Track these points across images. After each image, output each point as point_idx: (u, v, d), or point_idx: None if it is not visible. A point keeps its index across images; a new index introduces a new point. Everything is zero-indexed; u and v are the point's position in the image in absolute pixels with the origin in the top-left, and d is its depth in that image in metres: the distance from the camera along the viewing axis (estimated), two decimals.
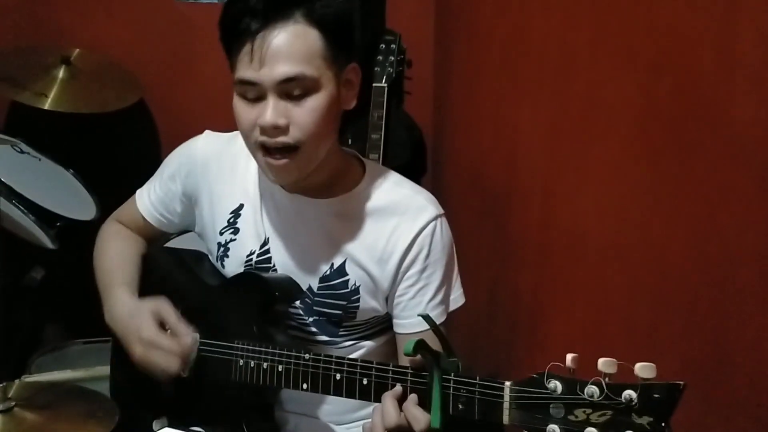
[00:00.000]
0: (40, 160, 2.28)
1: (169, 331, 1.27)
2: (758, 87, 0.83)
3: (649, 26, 1.07)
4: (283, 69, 1.13)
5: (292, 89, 1.15)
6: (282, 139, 1.16)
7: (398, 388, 1.06)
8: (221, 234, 1.37)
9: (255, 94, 1.16)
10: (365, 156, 2.15)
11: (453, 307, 1.36)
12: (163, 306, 1.29)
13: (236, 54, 1.16)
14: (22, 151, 2.25)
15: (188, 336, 1.26)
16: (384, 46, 2.39)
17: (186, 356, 1.25)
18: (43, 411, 1.41)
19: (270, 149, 1.18)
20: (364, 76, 1.26)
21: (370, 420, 1.10)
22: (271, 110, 1.15)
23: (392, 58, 2.38)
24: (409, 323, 1.32)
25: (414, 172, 2.69)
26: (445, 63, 2.61)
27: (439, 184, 2.65)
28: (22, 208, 2.00)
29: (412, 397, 1.05)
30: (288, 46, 1.13)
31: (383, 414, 1.05)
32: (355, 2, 1.21)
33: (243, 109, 1.18)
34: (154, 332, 1.26)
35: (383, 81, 2.35)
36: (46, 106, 2.32)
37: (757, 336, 0.83)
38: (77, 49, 2.55)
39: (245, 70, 1.15)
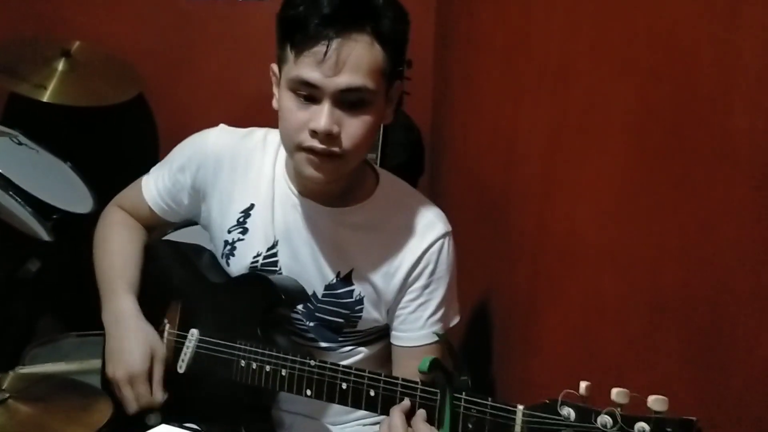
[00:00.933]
0: (37, 152, 2.28)
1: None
2: (756, 95, 0.83)
3: (649, 32, 1.07)
4: (349, 78, 1.12)
5: (351, 99, 1.14)
6: (332, 147, 1.15)
7: (407, 402, 1.06)
8: (229, 232, 1.36)
9: (309, 94, 1.14)
10: None
11: (450, 324, 1.36)
12: (160, 351, 1.32)
13: (299, 51, 1.13)
14: (19, 143, 2.25)
15: (159, 397, 1.31)
16: None
17: (143, 409, 1.31)
18: (36, 403, 1.41)
19: (315, 151, 1.16)
20: None
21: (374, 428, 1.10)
22: (327, 116, 1.13)
23: None
24: (406, 336, 1.32)
25: (411, 173, 2.70)
26: (444, 64, 2.61)
27: (437, 184, 2.66)
28: (19, 200, 2.00)
29: (421, 413, 1.05)
30: (358, 57, 1.12)
31: (390, 427, 1.05)
32: (408, 23, 1.22)
33: (294, 109, 1.16)
34: (143, 375, 1.30)
35: None
36: (45, 98, 2.32)
37: (752, 340, 0.84)
38: (77, 42, 2.55)
39: (309, 71, 1.12)
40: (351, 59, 1.11)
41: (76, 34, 2.61)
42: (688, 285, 0.96)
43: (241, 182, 1.34)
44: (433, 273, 1.30)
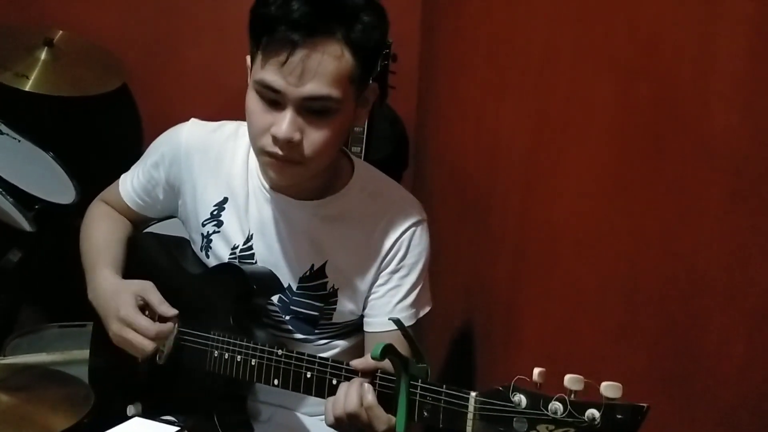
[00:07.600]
0: (19, 141, 2.26)
1: (148, 313, 1.26)
2: (733, 95, 0.85)
3: (630, 32, 1.08)
4: (313, 87, 1.10)
5: (315, 107, 1.12)
6: (292, 155, 1.14)
7: (365, 382, 1.07)
8: (203, 225, 1.36)
9: (274, 99, 1.13)
10: (348, 148, 2.16)
11: (421, 313, 1.36)
12: (148, 288, 1.28)
13: (266, 54, 1.11)
14: (1, 132, 2.23)
15: (170, 313, 1.24)
16: None
17: (160, 339, 1.24)
18: (17, 393, 1.41)
19: (276, 157, 1.15)
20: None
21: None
22: (288, 124, 1.11)
23: None
24: (376, 322, 1.33)
25: (395, 167, 2.70)
26: (430, 58, 2.62)
27: (420, 178, 2.67)
28: (1, 190, 1.99)
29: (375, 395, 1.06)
30: (323, 65, 1.09)
31: (346, 398, 1.04)
32: (387, 24, 1.19)
33: (258, 111, 1.15)
34: (132, 312, 1.24)
35: None
36: (27, 88, 2.30)
37: (726, 334, 0.85)
38: (60, 31, 2.53)
39: (273, 76, 1.10)
40: (317, 68, 1.09)
41: (59, 23, 2.58)
42: (665, 280, 0.97)
43: (214, 176, 1.34)
44: (403, 258, 1.30)
